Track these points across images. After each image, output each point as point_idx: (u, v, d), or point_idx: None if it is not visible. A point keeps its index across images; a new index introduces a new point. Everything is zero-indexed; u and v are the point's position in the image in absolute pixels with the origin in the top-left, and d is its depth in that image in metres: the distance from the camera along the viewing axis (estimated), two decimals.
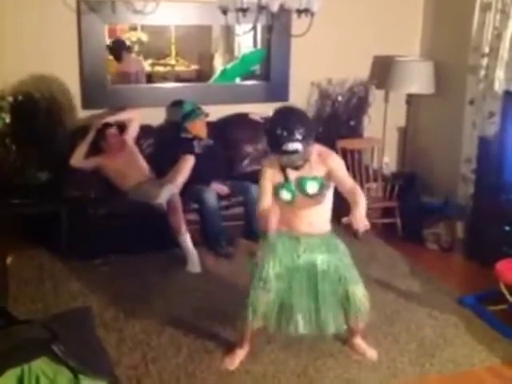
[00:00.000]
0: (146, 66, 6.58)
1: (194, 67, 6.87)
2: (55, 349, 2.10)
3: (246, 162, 5.13)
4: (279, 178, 3.00)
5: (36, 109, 4.52)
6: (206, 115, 4.89)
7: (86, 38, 4.71)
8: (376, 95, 5.41)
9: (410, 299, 4.00)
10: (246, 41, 6.10)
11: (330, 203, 3.11)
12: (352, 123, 5.33)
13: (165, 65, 6.81)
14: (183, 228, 4.33)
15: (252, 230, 4.36)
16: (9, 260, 4.01)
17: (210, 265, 4.40)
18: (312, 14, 3.76)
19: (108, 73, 5.09)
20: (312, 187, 2.96)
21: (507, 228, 4.25)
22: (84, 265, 4.31)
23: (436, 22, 5.40)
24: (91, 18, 4.67)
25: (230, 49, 6.46)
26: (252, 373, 3.22)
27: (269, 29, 4.25)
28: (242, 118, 5.13)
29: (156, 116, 5.03)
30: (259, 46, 5.84)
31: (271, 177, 3.03)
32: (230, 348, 3.36)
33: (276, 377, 3.20)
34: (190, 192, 4.52)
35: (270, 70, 5.30)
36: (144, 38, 6.48)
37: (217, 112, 5.10)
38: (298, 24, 3.97)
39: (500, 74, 4.56)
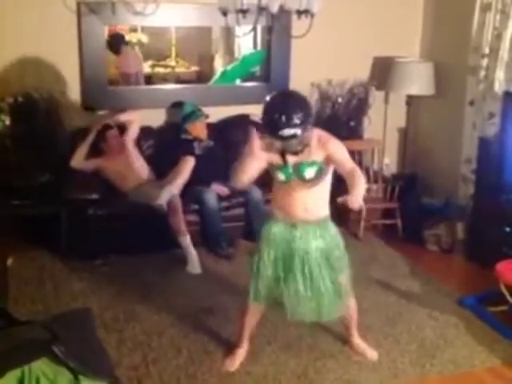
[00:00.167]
0: (147, 67, 6.60)
1: (194, 68, 6.88)
2: (55, 350, 2.09)
3: None
4: (276, 159, 2.92)
5: (36, 110, 4.51)
6: (207, 116, 4.89)
7: (86, 40, 4.71)
8: (376, 96, 5.41)
9: (411, 300, 4.00)
10: (246, 42, 6.10)
11: (328, 189, 3.06)
12: (352, 124, 5.32)
13: (165, 66, 6.82)
14: (183, 229, 4.32)
15: (252, 230, 4.35)
16: (9, 261, 4.02)
17: (210, 266, 4.40)
18: (312, 15, 3.75)
19: (108, 74, 5.08)
20: (309, 173, 2.92)
21: (507, 229, 4.26)
22: (84, 265, 4.30)
23: (436, 23, 5.40)
24: (91, 20, 4.67)
25: (230, 50, 6.46)
26: (252, 374, 3.22)
27: (269, 30, 4.25)
28: (243, 119, 5.12)
29: (156, 117, 5.02)
30: (259, 47, 5.85)
31: (266, 158, 2.93)
32: (230, 349, 3.36)
33: (276, 378, 3.20)
34: (190, 193, 4.52)
35: (270, 72, 5.29)
36: (144, 39, 6.49)
37: (217, 113, 5.10)
38: (298, 25, 3.96)
39: (500, 74, 4.56)
